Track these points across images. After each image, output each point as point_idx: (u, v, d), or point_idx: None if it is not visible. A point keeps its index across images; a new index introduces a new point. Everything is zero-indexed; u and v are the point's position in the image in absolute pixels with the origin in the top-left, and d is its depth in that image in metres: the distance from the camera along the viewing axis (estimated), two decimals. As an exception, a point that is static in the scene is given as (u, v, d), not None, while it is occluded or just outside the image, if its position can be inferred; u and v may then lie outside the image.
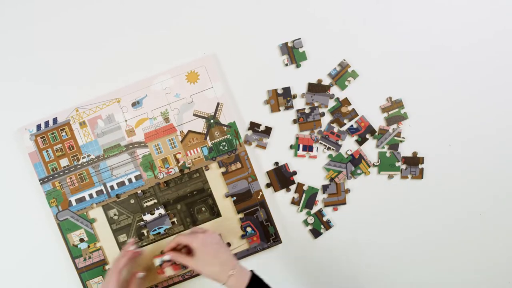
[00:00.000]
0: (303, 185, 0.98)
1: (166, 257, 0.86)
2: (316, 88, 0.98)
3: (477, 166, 0.99)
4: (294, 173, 0.98)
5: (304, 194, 0.98)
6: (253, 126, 0.98)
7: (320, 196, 0.99)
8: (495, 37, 0.99)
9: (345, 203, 0.98)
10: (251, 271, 0.84)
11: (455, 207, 1.00)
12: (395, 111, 0.98)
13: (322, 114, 0.98)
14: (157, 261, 0.87)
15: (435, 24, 0.99)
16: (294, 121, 0.98)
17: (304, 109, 0.98)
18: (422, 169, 0.99)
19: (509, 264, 1.00)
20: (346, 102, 0.98)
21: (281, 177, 0.98)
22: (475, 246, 1.00)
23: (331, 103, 0.99)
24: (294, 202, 0.98)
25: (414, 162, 0.99)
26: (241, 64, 0.98)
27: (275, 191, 0.98)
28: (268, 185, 0.98)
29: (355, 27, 0.99)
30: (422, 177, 0.99)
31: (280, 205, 0.98)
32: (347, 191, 0.98)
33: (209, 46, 0.97)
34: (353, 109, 0.98)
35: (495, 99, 0.99)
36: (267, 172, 0.98)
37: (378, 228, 0.99)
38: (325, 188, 0.98)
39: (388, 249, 0.99)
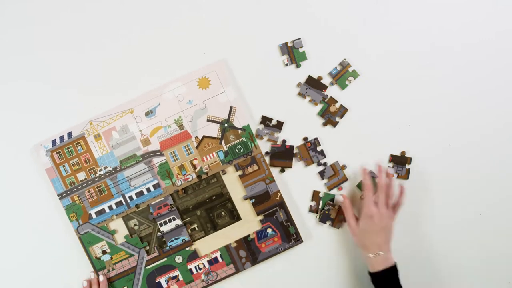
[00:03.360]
0: (319, 192, 0.98)
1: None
2: (313, 83, 0.98)
3: (476, 167, 0.99)
4: (322, 152, 0.98)
5: (321, 201, 0.98)
6: (265, 121, 0.98)
7: (322, 182, 0.99)
8: (495, 37, 0.99)
9: (347, 179, 0.98)
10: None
11: (455, 207, 0.99)
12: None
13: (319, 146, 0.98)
14: None
15: (435, 24, 0.99)
16: (300, 158, 0.97)
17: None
18: (408, 169, 0.98)
19: (509, 264, 1.00)
20: (332, 100, 0.98)
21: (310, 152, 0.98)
22: (474, 246, 0.99)
23: (320, 105, 0.98)
24: (312, 210, 0.98)
25: (401, 162, 0.98)
26: (242, 65, 0.98)
27: (307, 166, 0.97)
28: (282, 170, 0.98)
29: (355, 27, 0.99)
30: (407, 178, 0.98)
31: (300, 205, 0.98)
32: (343, 167, 0.98)
33: (209, 47, 0.98)
34: (341, 105, 0.98)
35: (495, 99, 0.99)
36: (298, 146, 0.98)
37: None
38: (321, 174, 0.98)
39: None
